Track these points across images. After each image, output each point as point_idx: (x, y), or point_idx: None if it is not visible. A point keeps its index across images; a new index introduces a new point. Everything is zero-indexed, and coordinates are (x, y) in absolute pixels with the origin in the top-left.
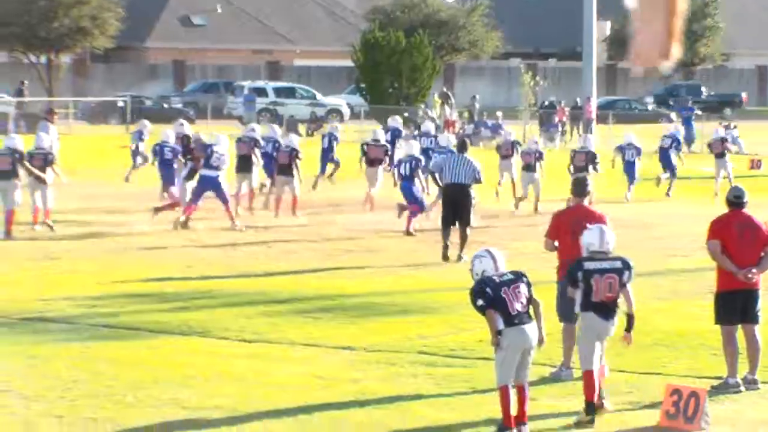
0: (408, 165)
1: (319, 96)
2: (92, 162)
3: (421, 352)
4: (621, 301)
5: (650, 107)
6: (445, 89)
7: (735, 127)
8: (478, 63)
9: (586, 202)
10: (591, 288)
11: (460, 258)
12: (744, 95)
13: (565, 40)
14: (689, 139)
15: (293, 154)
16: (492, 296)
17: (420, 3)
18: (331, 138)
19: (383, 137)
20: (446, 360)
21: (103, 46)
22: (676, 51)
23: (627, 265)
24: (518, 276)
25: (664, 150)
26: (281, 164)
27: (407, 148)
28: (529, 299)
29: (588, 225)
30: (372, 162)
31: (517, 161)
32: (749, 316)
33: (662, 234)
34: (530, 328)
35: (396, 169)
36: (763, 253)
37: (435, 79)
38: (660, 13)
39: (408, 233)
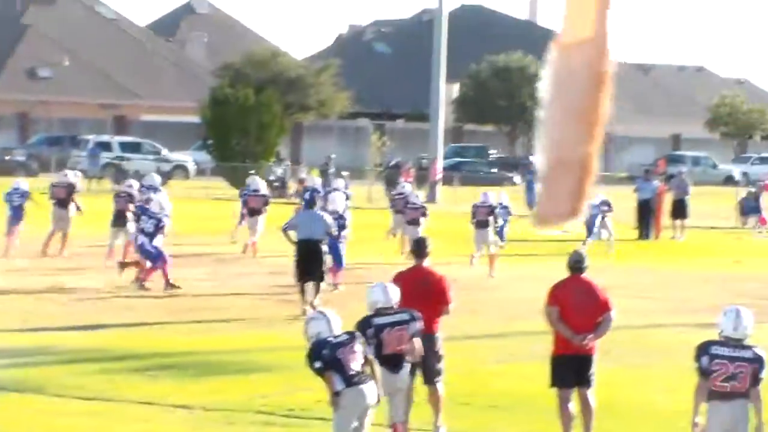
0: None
1: (164, 151)
2: None
3: (260, 411)
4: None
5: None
6: (277, 149)
7: None
8: (326, 122)
9: (426, 262)
10: (382, 342)
11: (307, 307)
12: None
13: (413, 102)
14: (531, 202)
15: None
16: (328, 358)
17: (269, 61)
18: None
19: (264, 187)
20: (284, 420)
21: None
22: (584, 209)
23: (413, 317)
24: (352, 336)
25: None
26: None
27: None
28: (365, 358)
29: (427, 286)
30: (252, 212)
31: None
32: (583, 381)
33: (505, 296)
34: (368, 388)
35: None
36: (600, 319)
37: (282, 137)
38: (572, 174)
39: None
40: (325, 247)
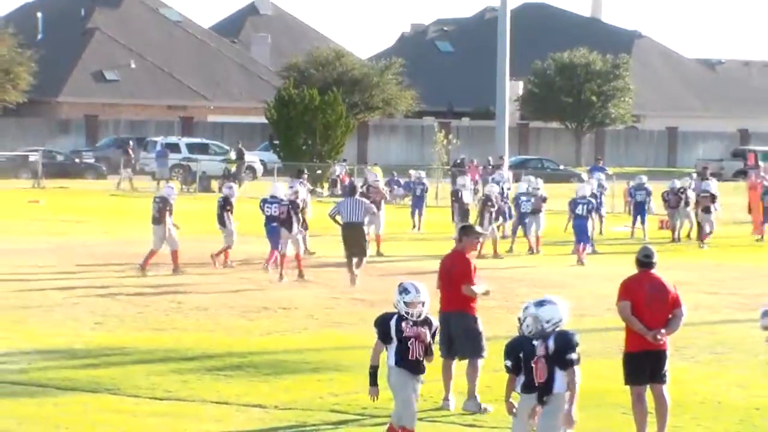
0: (585, 206)
1: (232, 152)
2: (1, 217)
3: (333, 410)
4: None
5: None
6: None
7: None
8: (391, 121)
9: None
10: None
11: (354, 277)
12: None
13: (479, 100)
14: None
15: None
16: (520, 363)
17: (334, 61)
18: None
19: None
20: (357, 418)
21: (14, 101)
22: None
23: None
24: (562, 352)
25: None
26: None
27: (581, 190)
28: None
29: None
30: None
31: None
32: (657, 377)
33: (574, 293)
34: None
35: (570, 208)
36: (671, 315)
37: (348, 136)
38: None
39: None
40: (366, 229)
